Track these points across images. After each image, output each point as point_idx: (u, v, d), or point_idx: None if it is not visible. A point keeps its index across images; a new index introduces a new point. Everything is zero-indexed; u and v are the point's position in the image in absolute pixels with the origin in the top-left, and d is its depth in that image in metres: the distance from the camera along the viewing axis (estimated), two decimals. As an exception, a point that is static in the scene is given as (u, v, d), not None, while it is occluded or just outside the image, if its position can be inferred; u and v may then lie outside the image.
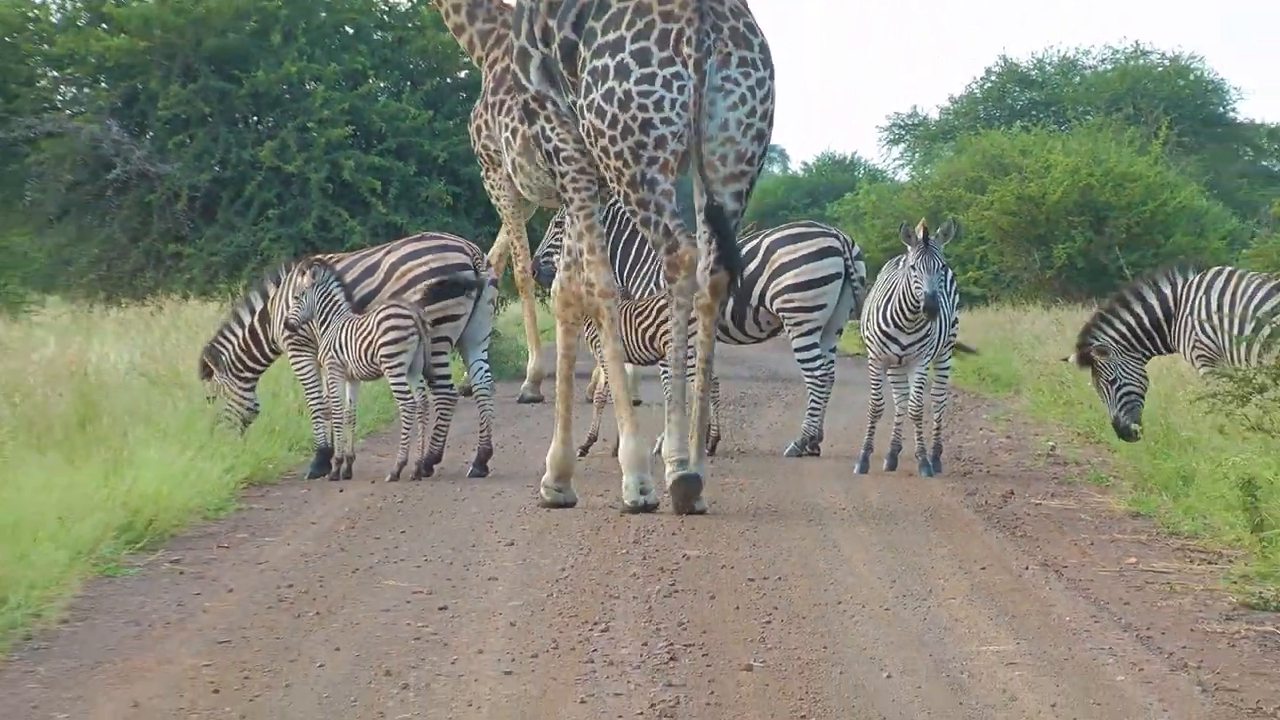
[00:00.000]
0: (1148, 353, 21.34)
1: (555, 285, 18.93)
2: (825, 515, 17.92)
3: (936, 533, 16.87)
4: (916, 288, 19.98)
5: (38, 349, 23.87)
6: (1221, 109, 69.00)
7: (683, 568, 15.02)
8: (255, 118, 38.89)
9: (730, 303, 22.73)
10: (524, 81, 18.15)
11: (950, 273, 21.36)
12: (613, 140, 17.36)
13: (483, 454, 20.88)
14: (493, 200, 21.00)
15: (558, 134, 18.14)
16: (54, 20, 40.66)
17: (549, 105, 18.10)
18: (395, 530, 17.06)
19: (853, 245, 23.63)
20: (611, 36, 17.28)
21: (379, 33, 40.17)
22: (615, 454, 22.09)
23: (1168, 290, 21.13)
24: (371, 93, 38.52)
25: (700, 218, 17.52)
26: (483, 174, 20.45)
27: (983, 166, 52.06)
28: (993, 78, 72.07)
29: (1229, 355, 20.69)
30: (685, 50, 17.15)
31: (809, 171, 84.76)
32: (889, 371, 20.79)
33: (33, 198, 38.81)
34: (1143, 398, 20.88)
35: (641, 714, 10.39)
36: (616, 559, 15.48)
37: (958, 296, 21.95)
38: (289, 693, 10.97)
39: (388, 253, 21.44)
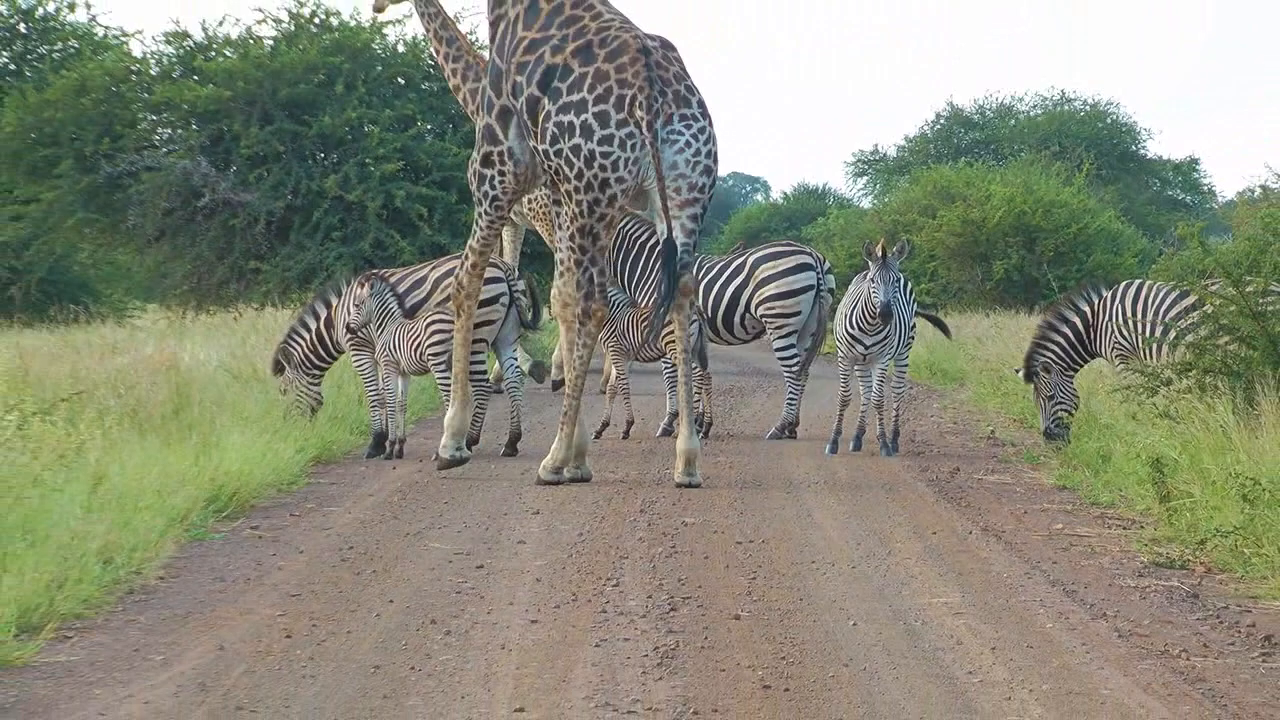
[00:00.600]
0: (1079, 363, 21.37)
1: (553, 292, 18.94)
2: (801, 488, 17.91)
3: (894, 503, 16.85)
4: (875, 297, 20.03)
5: (139, 349, 23.87)
6: (1134, 147, 69.08)
7: (681, 532, 15.00)
8: (322, 155, 38.97)
9: (722, 309, 22.88)
10: (500, 135, 18.43)
11: (909, 284, 21.38)
12: (576, 189, 17.67)
13: (513, 436, 20.87)
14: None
15: (501, 186, 18.56)
16: (153, 72, 40.81)
17: (509, 163, 18.44)
18: (439, 501, 17.05)
19: (824, 262, 23.66)
20: (575, 97, 17.59)
21: (426, 83, 40.31)
22: (625, 436, 22.15)
23: (1085, 307, 21.19)
24: (419, 134, 38.73)
25: (674, 229, 17.78)
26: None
27: (933, 195, 52.14)
28: (941, 120, 72.11)
29: (1141, 354, 20.71)
30: (638, 113, 17.47)
31: (787, 199, 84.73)
32: (855, 367, 20.80)
33: (134, 222, 38.81)
34: (1072, 412, 20.87)
35: (646, 656, 10.38)
36: (625, 525, 15.47)
37: (915, 305, 21.94)
38: (350, 638, 10.96)
39: (433, 268, 21.50)
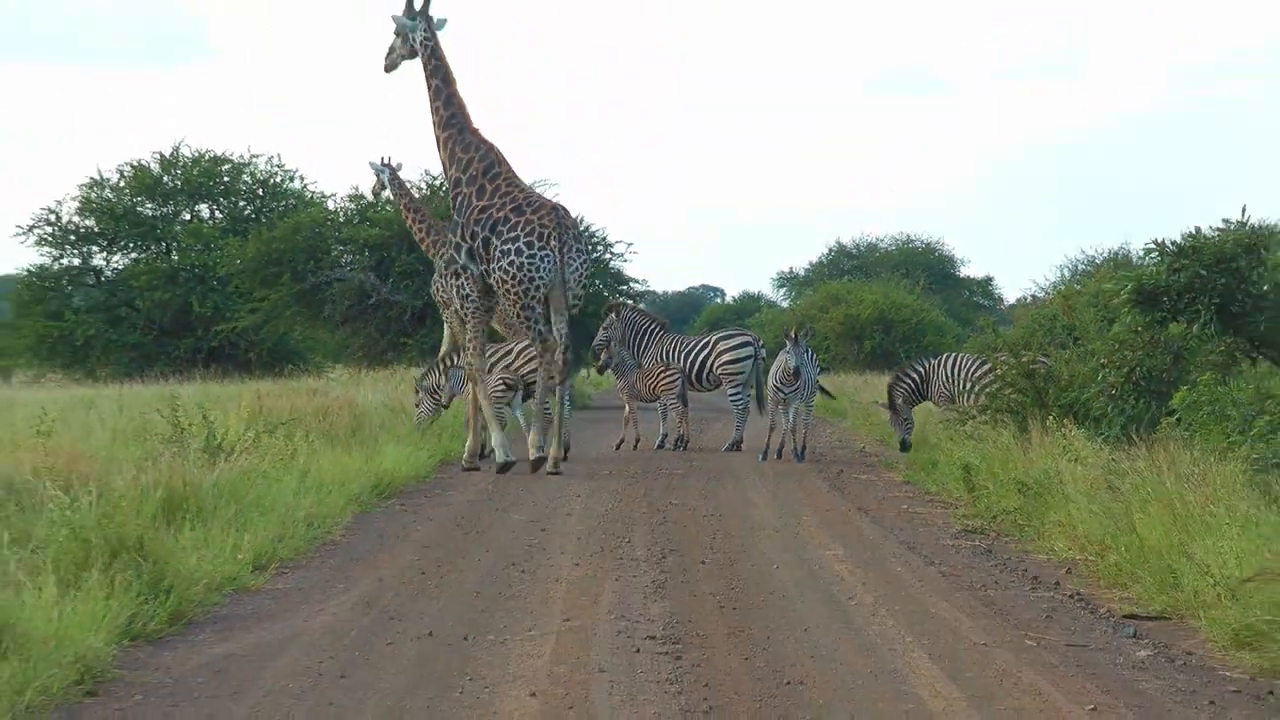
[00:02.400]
0: (917, 401, 21.58)
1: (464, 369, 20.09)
2: (743, 481, 17.87)
3: (802, 492, 16.82)
4: (789, 362, 20.12)
5: (331, 392, 23.90)
6: (953, 270, 69.11)
7: (669, 509, 14.97)
8: (446, 272, 38.91)
9: (695, 369, 22.95)
10: (459, 258, 19.53)
11: (814, 355, 21.42)
12: (513, 286, 18.78)
13: (565, 447, 20.73)
14: (446, 323, 22.18)
15: (467, 289, 19.56)
16: (340, 219, 40.92)
17: (468, 274, 19.42)
18: (517, 489, 17.02)
19: (759, 341, 23.72)
20: (513, 234, 18.79)
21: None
22: (634, 448, 22.00)
23: (921, 368, 21.46)
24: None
25: (559, 322, 19.14)
26: (441, 310, 21.64)
27: (827, 300, 52.26)
28: (832, 253, 72.10)
29: (957, 399, 20.78)
30: (552, 243, 18.73)
31: (736, 301, 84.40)
32: (779, 406, 20.79)
33: (328, 313, 38.84)
34: (911, 430, 21.11)
35: (647, 587, 10.38)
36: (634, 504, 15.44)
37: (817, 368, 21.93)
38: (461, 575, 10.96)
39: (517, 343, 21.55)
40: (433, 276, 21.48)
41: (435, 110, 19.59)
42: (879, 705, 7.24)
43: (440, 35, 19.59)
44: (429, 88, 19.59)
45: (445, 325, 22.11)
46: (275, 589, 10.47)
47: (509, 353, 21.03)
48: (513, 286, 18.81)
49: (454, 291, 20.01)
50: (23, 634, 7.57)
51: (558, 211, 19.05)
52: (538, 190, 21.38)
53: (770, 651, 8.36)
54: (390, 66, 19.93)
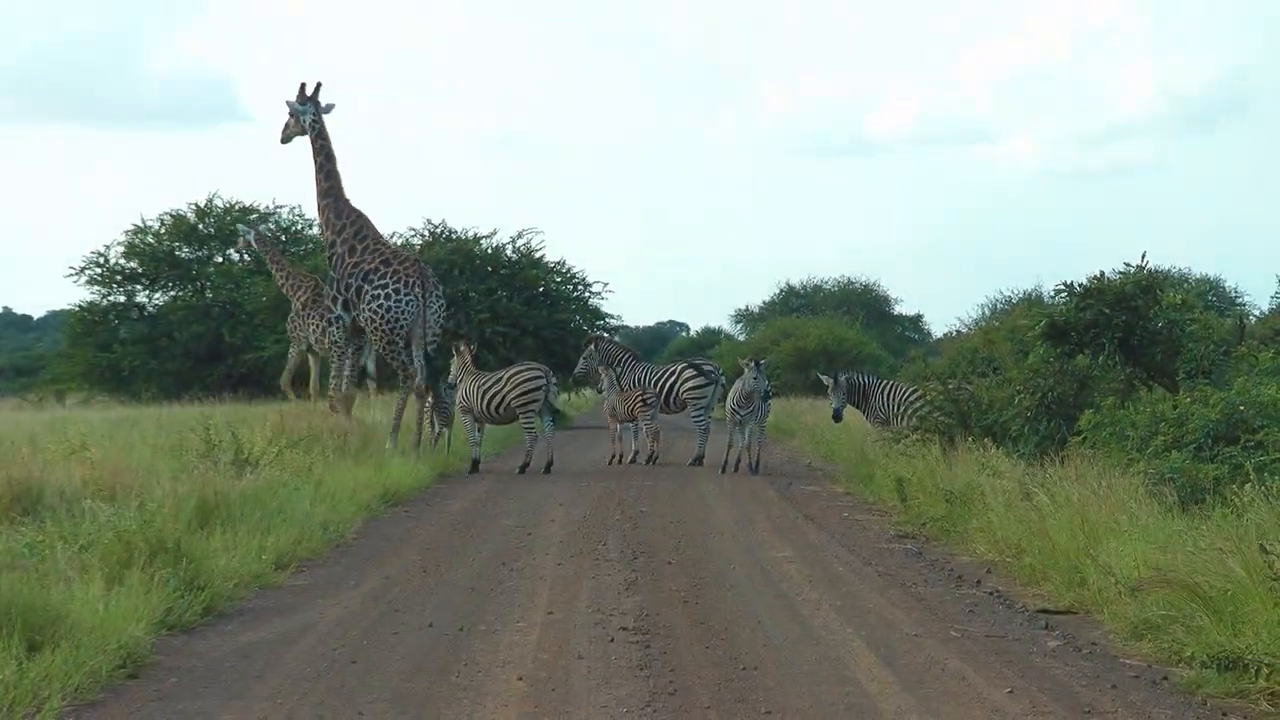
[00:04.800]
0: (855, 396, 21.66)
1: (418, 386, 21.12)
2: (704, 492, 17.86)
3: (755, 501, 16.81)
4: (746, 388, 20.11)
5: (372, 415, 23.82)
6: (888, 308, 69.16)
7: (640, 516, 14.96)
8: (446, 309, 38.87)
9: (664, 393, 22.91)
10: (334, 309, 21.18)
11: (767, 381, 21.40)
12: (379, 327, 20.56)
13: (548, 462, 20.74)
14: (296, 349, 25.09)
15: (339, 334, 21.18)
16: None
17: (340, 323, 21.13)
18: (507, 497, 16.99)
19: (719, 369, 23.74)
20: (382, 282, 20.56)
21: (503, 270, 40.09)
22: (609, 464, 21.93)
23: (867, 380, 21.77)
24: (499, 298, 38.50)
25: (418, 355, 20.73)
26: (292, 344, 23.08)
27: (778, 334, 52.24)
28: (782, 292, 72.15)
29: (891, 421, 20.80)
30: (416, 290, 20.32)
31: (699, 335, 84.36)
32: (736, 426, 20.78)
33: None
34: (844, 405, 21.47)
35: (620, 584, 10.36)
36: (609, 512, 15.41)
37: (770, 391, 21.93)
38: (458, 572, 10.94)
39: (506, 371, 21.44)
40: (289, 315, 23.08)
41: (318, 180, 21.16)
42: (823, 688, 7.23)
43: (326, 117, 21.13)
44: (315, 161, 21.11)
45: (293, 354, 24.55)
46: (295, 585, 10.42)
47: (498, 380, 20.95)
48: (380, 325, 20.40)
49: (320, 333, 22.84)
50: (73, 624, 7.54)
51: (420, 264, 20.81)
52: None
53: (728, 641, 8.35)
54: (285, 139, 21.37)
